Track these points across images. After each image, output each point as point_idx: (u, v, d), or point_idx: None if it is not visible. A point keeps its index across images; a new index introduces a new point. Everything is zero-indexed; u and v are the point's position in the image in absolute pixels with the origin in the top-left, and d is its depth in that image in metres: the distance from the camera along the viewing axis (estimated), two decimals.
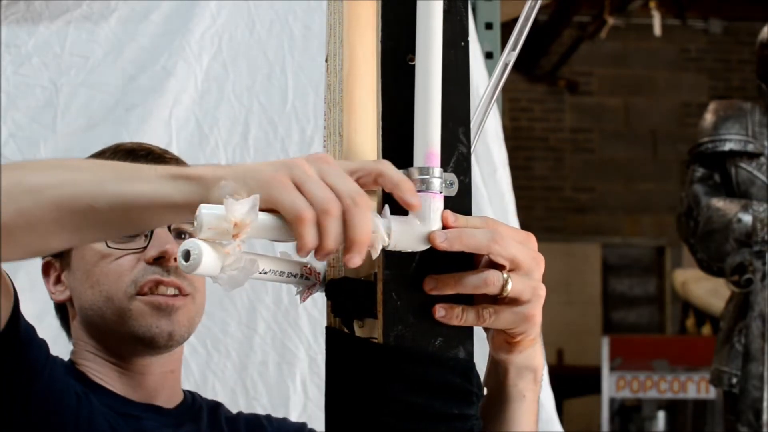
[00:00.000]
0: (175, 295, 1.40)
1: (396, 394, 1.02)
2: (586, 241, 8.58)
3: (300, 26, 2.36)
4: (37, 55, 2.28)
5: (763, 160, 3.43)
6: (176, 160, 1.47)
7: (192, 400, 1.49)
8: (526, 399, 1.15)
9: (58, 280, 1.46)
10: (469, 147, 1.06)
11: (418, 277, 1.03)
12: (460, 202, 1.04)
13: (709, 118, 3.53)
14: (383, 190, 1.02)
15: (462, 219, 1.03)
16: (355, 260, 0.95)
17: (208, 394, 2.03)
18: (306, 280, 1.07)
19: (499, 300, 1.05)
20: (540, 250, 1.08)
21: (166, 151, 1.48)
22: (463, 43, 1.07)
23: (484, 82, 2.29)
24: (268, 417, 1.55)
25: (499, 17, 2.63)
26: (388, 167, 0.98)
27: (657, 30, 7.22)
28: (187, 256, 0.94)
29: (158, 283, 1.38)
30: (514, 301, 1.05)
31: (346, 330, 1.09)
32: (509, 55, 1.22)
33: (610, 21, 7.51)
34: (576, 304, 8.39)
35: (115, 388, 1.42)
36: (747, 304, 3.32)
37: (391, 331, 1.02)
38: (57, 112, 2.26)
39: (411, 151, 1.02)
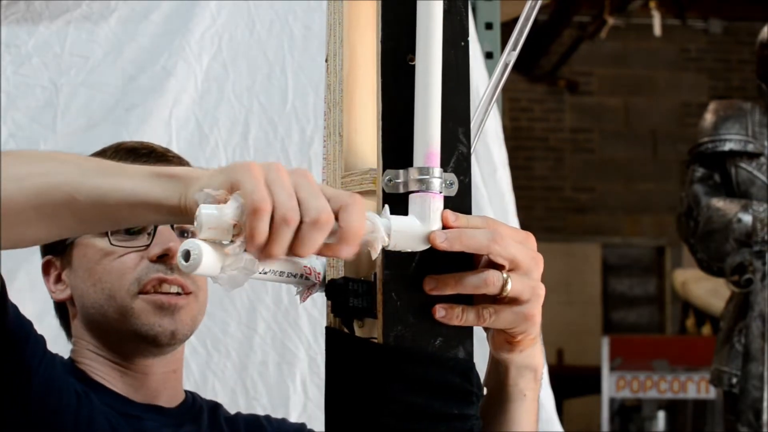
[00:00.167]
0: (178, 294, 1.39)
1: (396, 394, 1.02)
2: (586, 241, 8.58)
3: (300, 26, 2.36)
4: (37, 55, 2.28)
5: (763, 160, 3.43)
6: (178, 159, 1.47)
7: (192, 400, 1.49)
8: (527, 398, 1.16)
9: (58, 279, 1.45)
10: (469, 147, 1.06)
11: (418, 277, 1.03)
12: (460, 202, 1.04)
13: (709, 118, 3.53)
14: (383, 191, 1.03)
15: (462, 219, 1.04)
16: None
17: (208, 394, 2.03)
18: (306, 281, 1.07)
19: (499, 300, 1.05)
20: (540, 250, 1.08)
21: (168, 150, 1.47)
22: (463, 43, 1.07)
23: (483, 82, 2.29)
24: (267, 417, 1.55)
25: (499, 17, 2.63)
26: (356, 208, 0.95)
27: (657, 30, 7.22)
28: (187, 256, 0.95)
29: (161, 282, 1.38)
30: (513, 301, 1.06)
31: (346, 330, 1.09)
32: (510, 55, 1.22)
33: (610, 21, 7.51)
34: (576, 304, 8.38)
35: (116, 387, 1.41)
36: (747, 304, 3.32)
37: (390, 331, 1.02)
38: (57, 112, 2.26)
39: (411, 151, 1.02)
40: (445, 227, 1.03)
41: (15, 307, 1.24)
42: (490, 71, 2.37)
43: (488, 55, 2.56)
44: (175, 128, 2.28)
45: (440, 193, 1.02)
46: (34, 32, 2.29)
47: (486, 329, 1.10)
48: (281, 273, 1.03)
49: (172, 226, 1.41)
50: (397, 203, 1.02)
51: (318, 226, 0.94)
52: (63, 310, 1.48)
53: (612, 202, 8.60)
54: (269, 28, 2.35)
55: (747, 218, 3.32)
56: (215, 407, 1.51)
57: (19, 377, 1.25)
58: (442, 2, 1.04)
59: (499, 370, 1.15)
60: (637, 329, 8.69)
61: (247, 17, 2.35)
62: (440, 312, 1.03)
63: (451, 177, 1.04)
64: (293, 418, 2.13)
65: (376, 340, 1.03)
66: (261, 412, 1.99)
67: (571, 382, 6.56)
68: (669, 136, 8.50)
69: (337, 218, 0.95)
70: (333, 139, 1.12)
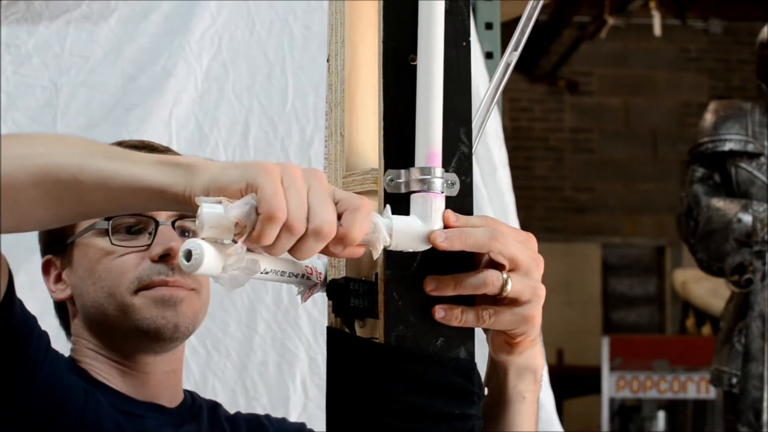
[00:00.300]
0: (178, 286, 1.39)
1: (397, 394, 1.02)
2: (586, 241, 8.58)
3: (300, 26, 2.36)
4: (37, 55, 2.28)
5: (763, 160, 3.43)
6: None
7: (192, 399, 1.49)
8: (526, 400, 1.15)
9: (58, 279, 1.45)
10: (470, 147, 1.06)
11: (420, 277, 1.03)
12: (461, 202, 1.04)
13: (709, 118, 3.53)
14: (384, 191, 1.03)
15: (463, 219, 1.04)
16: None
17: (208, 394, 2.03)
18: (307, 281, 1.07)
19: (499, 301, 1.05)
20: (540, 250, 1.08)
21: (168, 149, 1.47)
22: (464, 43, 1.07)
23: (484, 83, 2.29)
24: (267, 416, 1.55)
25: (499, 17, 2.63)
26: (360, 214, 0.96)
27: (657, 30, 7.22)
28: (188, 256, 0.94)
29: (164, 284, 1.38)
30: (513, 302, 1.05)
31: (347, 330, 1.09)
32: (511, 55, 1.22)
33: (610, 21, 7.51)
34: (576, 304, 8.38)
35: (116, 386, 1.41)
36: (747, 304, 3.32)
37: (392, 331, 1.02)
38: (57, 112, 2.26)
39: (412, 151, 1.02)
40: (446, 227, 1.03)
41: (21, 302, 1.24)
42: (491, 71, 2.37)
43: (488, 55, 2.56)
44: (175, 128, 2.28)
45: (442, 193, 1.02)
46: (34, 32, 2.29)
47: (485, 330, 1.10)
48: (282, 273, 1.03)
49: (173, 226, 1.40)
50: (399, 203, 1.02)
51: (319, 236, 0.94)
52: (63, 309, 1.48)
53: (612, 202, 8.60)
54: (269, 28, 2.35)
55: (747, 218, 3.32)
56: (215, 407, 1.51)
57: (23, 372, 1.24)
58: (443, 2, 1.04)
59: (498, 372, 1.15)
60: (637, 329, 8.69)
61: (247, 17, 2.35)
62: (439, 312, 1.03)
63: (453, 177, 1.04)
64: (293, 418, 2.13)
65: (377, 340, 1.03)
66: (261, 412, 1.99)
67: (571, 382, 6.56)
68: (669, 136, 8.50)
69: (340, 218, 0.95)
70: (334, 139, 1.12)
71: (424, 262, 1.03)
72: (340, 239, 0.95)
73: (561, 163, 8.61)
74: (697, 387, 5.71)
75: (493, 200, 2.38)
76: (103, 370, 1.41)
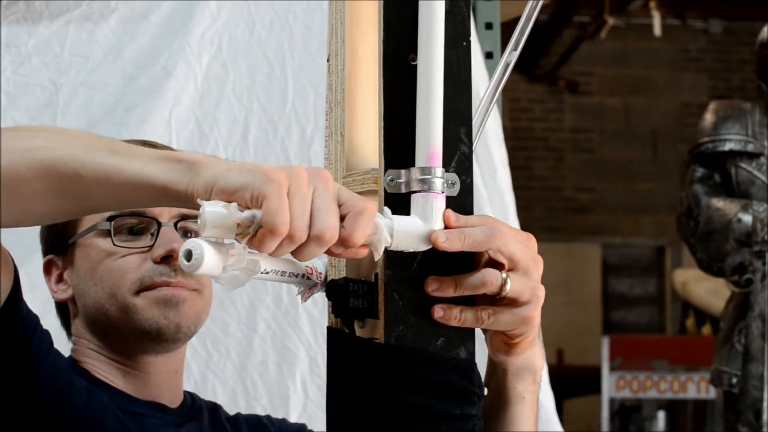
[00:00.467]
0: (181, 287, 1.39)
1: (397, 395, 1.02)
2: (586, 241, 8.58)
3: (300, 26, 2.36)
4: (37, 55, 2.28)
5: (763, 160, 3.43)
6: None
7: (192, 400, 1.49)
8: (526, 401, 1.15)
9: (60, 279, 1.45)
10: (471, 147, 1.06)
11: (420, 277, 1.03)
12: (462, 202, 1.04)
13: (709, 118, 3.53)
14: (385, 191, 1.02)
15: (463, 219, 1.04)
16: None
17: (208, 394, 2.03)
18: (307, 281, 1.07)
19: (498, 301, 1.05)
20: (540, 250, 1.08)
21: (169, 148, 1.47)
22: (464, 43, 1.07)
23: (483, 82, 2.29)
24: (268, 417, 1.55)
25: (499, 17, 2.63)
26: (363, 218, 0.96)
27: (657, 30, 7.22)
28: (189, 255, 0.94)
29: (167, 285, 1.38)
30: (513, 302, 1.05)
31: (347, 330, 1.09)
32: (510, 55, 1.22)
33: (610, 21, 7.51)
34: (576, 304, 8.38)
35: (118, 386, 1.41)
36: (747, 304, 3.32)
37: (392, 331, 1.02)
38: (57, 112, 2.26)
39: (413, 151, 1.02)
40: (446, 227, 1.03)
41: (24, 301, 1.24)
42: (490, 71, 2.37)
43: (488, 55, 2.56)
44: (175, 128, 2.27)
45: (442, 192, 1.02)
46: (34, 32, 2.29)
47: (484, 331, 1.10)
48: (283, 273, 1.03)
49: (175, 227, 1.40)
50: (399, 203, 1.02)
51: (321, 242, 0.94)
52: (64, 309, 1.48)
53: (612, 202, 8.60)
54: (269, 28, 2.35)
55: (747, 218, 3.32)
56: (215, 408, 1.51)
57: (25, 371, 1.24)
58: (443, 2, 1.04)
59: (497, 372, 1.15)
60: (637, 329, 8.69)
61: (247, 17, 2.35)
62: (438, 312, 1.03)
63: (453, 177, 1.04)
64: (293, 418, 2.13)
65: (377, 340, 1.03)
66: (261, 412, 1.99)
67: (571, 382, 6.56)
68: (669, 136, 8.50)
69: (343, 219, 0.95)
70: (335, 139, 1.12)
71: (424, 262, 1.03)
72: (342, 242, 0.95)
73: (561, 163, 8.61)
74: (697, 387, 5.71)
75: (493, 200, 2.38)
76: (105, 370, 1.41)
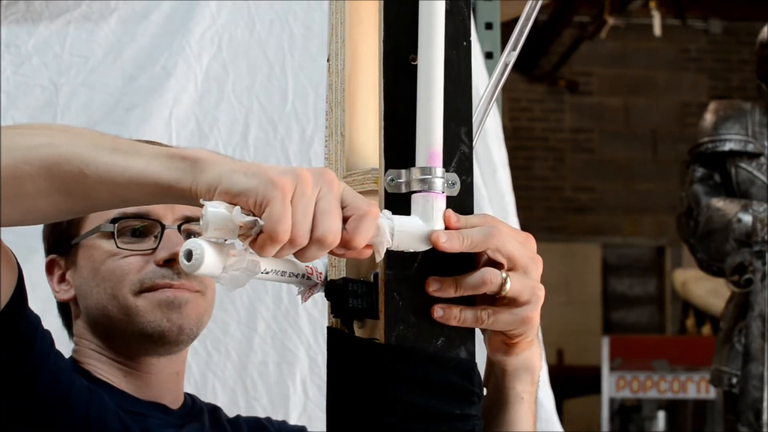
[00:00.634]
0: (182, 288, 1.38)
1: (397, 395, 1.02)
2: (586, 241, 8.58)
3: (300, 26, 2.36)
4: (37, 55, 2.28)
5: (763, 160, 3.43)
6: None
7: (192, 402, 1.48)
8: (525, 401, 1.15)
9: (62, 279, 1.45)
10: (471, 147, 1.06)
11: (420, 277, 1.03)
12: (462, 202, 1.04)
13: (709, 118, 3.53)
14: (385, 191, 1.02)
15: (463, 219, 1.04)
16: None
17: (208, 395, 2.03)
18: (307, 281, 1.07)
19: (498, 301, 1.05)
20: (540, 250, 1.08)
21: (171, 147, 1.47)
22: (465, 43, 1.07)
23: (484, 82, 2.29)
24: (268, 419, 1.55)
25: (499, 17, 2.63)
26: (366, 222, 0.96)
27: (657, 30, 7.22)
28: (189, 255, 0.94)
29: (169, 287, 1.37)
30: (513, 302, 1.05)
31: (346, 330, 1.09)
32: (509, 55, 1.22)
33: (610, 21, 7.51)
34: (576, 304, 8.38)
35: (120, 386, 1.40)
36: (747, 304, 3.32)
37: (392, 331, 1.02)
38: (57, 112, 2.26)
39: (413, 151, 1.02)
40: (447, 227, 1.03)
41: (27, 300, 1.24)
42: (490, 71, 2.36)
43: (488, 55, 2.56)
44: (175, 128, 2.27)
45: (442, 192, 1.02)
46: (34, 32, 2.29)
47: (483, 331, 1.10)
48: (283, 273, 1.03)
49: (179, 230, 1.40)
50: (399, 203, 1.02)
51: (322, 245, 0.94)
52: (66, 309, 1.48)
53: (612, 202, 8.60)
54: (269, 28, 2.35)
55: (747, 218, 3.32)
56: (215, 409, 1.51)
57: (27, 371, 1.24)
58: (444, 2, 1.04)
59: (495, 372, 1.15)
60: (637, 329, 8.69)
61: (247, 17, 2.35)
62: (438, 312, 1.03)
63: (453, 177, 1.04)
64: (293, 418, 2.13)
65: (377, 340, 1.03)
66: (261, 412, 1.99)
67: (571, 382, 6.56)
68: (669, 136, 8.50)
69: (345, 221, 0.95)
70: (335, 139, 1.12)
71: (424, 262, 1.03)
72: (344, 244, 0.95)
73: (561, 163, 8.61)
74: (697, 387, 5.71)
75: (493, 200, 2.38)
76: (106, 371, 1.41)
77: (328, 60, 1.14)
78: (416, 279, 1.03)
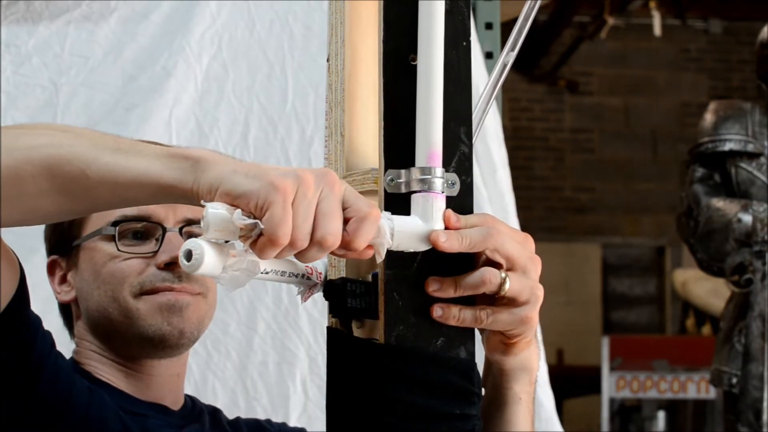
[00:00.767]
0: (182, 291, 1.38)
1: (397, 395, 1.02)
2: (586, 241, 8.58)
3: (300, 26, 2.36)
4: (37, 55, 2.28)
5: (763, 160, 3.43)
6: None
7: (192, 403, 1.48)
8: (522, 401, 1.15)
9: (63, 280, 1.45)
10: (470, 147, 1.06)
11: (420, 277, 1.03)
12: (462, 202, 1.04)
13: (709, 118, 3.53)
14: (385, 191, 1.03)
15: (463, 219, 1.04)
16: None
17: (208, 395, 2.03)
18: (307, 281, 1.07)
19: (498, 301, 1.05)
20: (540, 250, 1.08)
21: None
22: (464, 43, 1.07)
23: (484, 82, 2.28)
24: (268, 421, 1.55)
25: (499, 17, 2.63)
26: (366, 224, 0.96)
27: (657, 30, 7.22)
28: (188, 255, 0.94)
29: (170, 290, 1.37)
30: (512, 302, 1.05)
31: (345, 330, 1.09)
32: (508, 56, 1.22)
33: (610, 21, 7.51)
34: (576, 304, 8.38)
35: (120, 387, 1.40)
36: (747, 304, 3.32)
37: (392, 331, 1.02)
38: (57, 112, 2.26)
39: (413, 151, 1.02)
40: (446, 227, 1.03)
41: (29, 301, 1.24)
42: (491, 71, 2.36)
43: (488, 55, 2.56)
44: (175, 128, 2.27)
45: (442, 192, 1.02)
46: (34, 32, 2.29)
47: (481, 331, 1.10)
48: (283, 273, 1.03)
49: (180, 232, 1.40)
50: (399, 203, 1.02)
51: (322, 247, 0.95)
52: (67, 310, 1.48)
53: (612, 202, 8.60)
54: (269, 28, 2.35)
55: (747, 218, 3.32)
56: (215, 411, 1.51)
57: (27, 372, 1.23)
58: (443, 2, 1.04)
59: (493, 372, 1.15)
60: (637, 329, 8.69)
61: (247, 17, 2.35)
62: (437, 311, 1.03)
63: (453, 177, 1.04)
64: (293, 418, 2.13)
65: (377, 341, 1.03)
66: (261, 413, 1.99)
67: (571, 382, 6.55)
68: (669, 136, 8.50)
69: (346, 222, 0.95)
70: (335, 139, 1.12)
71: (424, 262, 1.03)
72: (344, 246, 0.95)
73: (561, 163, 8.61)
74: (697, 387, 5.71)
75: (493, 200, 2.38)
76: (107, 372, 1.41)
77: (327, 60, 1.14)
78: (416, 279, 1.03)
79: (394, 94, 1.04)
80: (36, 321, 1.25)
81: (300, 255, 0.95)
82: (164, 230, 1.39)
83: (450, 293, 1.03)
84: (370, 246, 0.97)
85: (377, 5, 1.06)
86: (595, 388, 6.06)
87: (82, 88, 2.28)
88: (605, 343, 5.95)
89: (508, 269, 1.05)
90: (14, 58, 2.27)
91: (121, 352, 1.41)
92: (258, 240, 0.93)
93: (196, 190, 0.96)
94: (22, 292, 1.19)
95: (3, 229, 1.06)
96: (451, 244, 1.02)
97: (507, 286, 1.04)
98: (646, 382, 5.80)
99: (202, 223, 0.93)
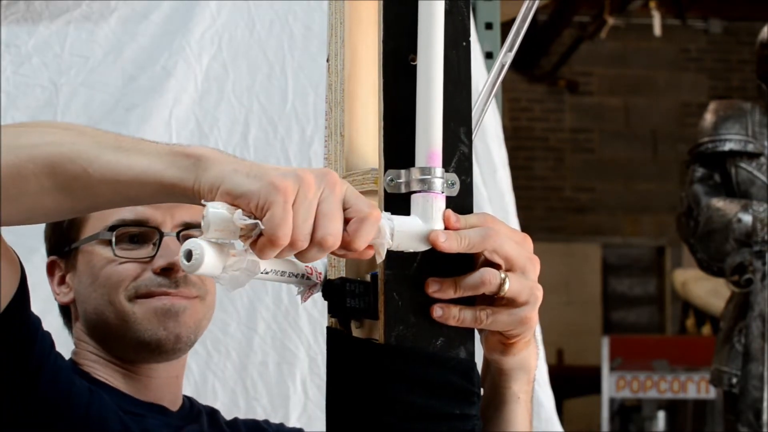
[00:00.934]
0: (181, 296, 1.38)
1: (397, 395, 1.02)
2: (586, 241, 8.58)
3: (300, 26, 2.36)
4: (37, 55, 2.28)
5: (763, 160, 3.43)
6: None
7: (190, 404, 1.48)
8: (521, 401, 1.15)
9: (62, 281, 1.45)
10: (470, 147, 1.06)
11: (420, 277, 1.03)
12: (461, 202, 1.04)
13: (709, 118, 3.53)
14: (385, 191, 1.03)
15: (463, 219, 1.04)
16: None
17: (208, 395, 2.03)
18: (307, 281, 1.07)
19: (497, 301, 1.05)
20: (540, 250, 1.08)
21: None
22: (464, 43, 1.07)
23: (483, 83, 2.28)
24: (266, 421, 1.55)
25: (499, 17, 2.63)
26: (366, 225, 0.96)
27: (657, 30, 7.22)
28: (188, 255, 0.94)
29: (165, 294, 1.37)
30: (511, 302, 1.05)
31: (345, 330, 1.09)
32: (506, 56, 1.22)
33: (610, 21, 7.51)
34: (576, 304, 8.38)
35: (119, 387, 1.40)
36: (747, 304, 3.32)
37: (392, 331, 1.02)
38: (57, 112, 2.26)
39: (413, 151, 1.02)
40: (446, 227, 1.03)
41: (30, 301, 1.24)
42: (490, 71, 2.36)
43: (488, 55, 2.56)
44: (175, 128, 2.27)
45: (442, 192, 1.02)
46: (34, 32, 2.29)
47: (480, 331, 1.10)
48: (283, 273, 1.03)
49: (178, 237, 1.39)
50: (399, 203, 1.02)
51: (322, 247, 0.95)
52: (67, 311, 1.48)
53: (612, 202, 8.60)
54: (269, 28, 2.35)
55: (747, 218, 3.32)
56: (213, 412, 1.51)
57: (27, 372, 1.24)
58: (443, 2, 1.04)
59: (491, 372, 1.15)
60: (637, 329, 8.69)
61: (247, 17, 2.35)
62: (437, 311, 1.03)
63: (453, 177, 1.04)
64: (293, 418, 2.13)
65: (377, 341, 1.03)
66: (261, 413, 1.99)
67: (571, 382, 6.55)
68: (669, 136, 8.50)
69: (347, 222, 0.95)
70: (334, 139, 1.12)
71: (424, 262, 1.03)
72: (344, 246, 0.95)
73: (561, 163, 8.61)
74: (697, 387, 5.71)
75: (493, 200, 2.38)
76: (106, 373, 1.41)
77: (327, 60, 1.14)
78: (416, 279, 1.03)
79: (394, 94, 1.04)
80: (36, 321, 1.25)
81: (300, 255, 0.95)
82: (161, 235, 1.38)
83: (450, 294, 1.03)
84: (370, 246, 0.97)
85: (377, 5, 1.06)
86: (595, 388, 6.06)
87: (82, 88, 2.28)
88: (605, 343, 5.95)
89: (507, 270, 1.05)
90: (14, 58, 2.27)
91: (118, 354, 1.41)
92: (258, 240, 0.93)
93: (197, 189, 0.96)
94: (22, 292, 1.18)
95: (3, 229, 1.06)
96: (450, 244, 1.02)
97: (506, 286, 1.04)
98: (646, 382, 5.80)
99: (202, 223, 0.93)
